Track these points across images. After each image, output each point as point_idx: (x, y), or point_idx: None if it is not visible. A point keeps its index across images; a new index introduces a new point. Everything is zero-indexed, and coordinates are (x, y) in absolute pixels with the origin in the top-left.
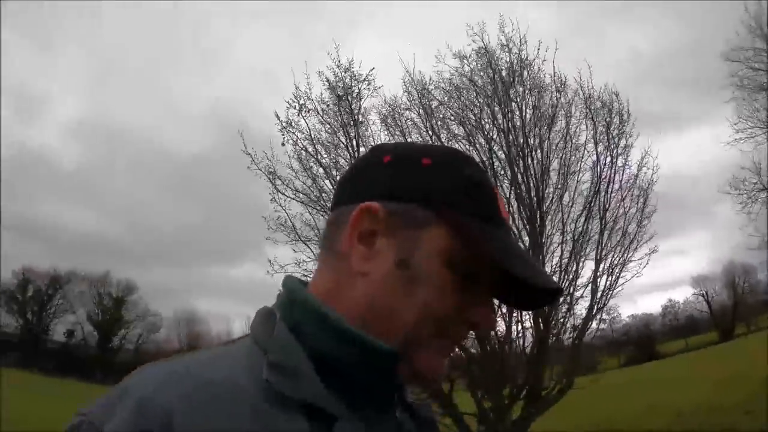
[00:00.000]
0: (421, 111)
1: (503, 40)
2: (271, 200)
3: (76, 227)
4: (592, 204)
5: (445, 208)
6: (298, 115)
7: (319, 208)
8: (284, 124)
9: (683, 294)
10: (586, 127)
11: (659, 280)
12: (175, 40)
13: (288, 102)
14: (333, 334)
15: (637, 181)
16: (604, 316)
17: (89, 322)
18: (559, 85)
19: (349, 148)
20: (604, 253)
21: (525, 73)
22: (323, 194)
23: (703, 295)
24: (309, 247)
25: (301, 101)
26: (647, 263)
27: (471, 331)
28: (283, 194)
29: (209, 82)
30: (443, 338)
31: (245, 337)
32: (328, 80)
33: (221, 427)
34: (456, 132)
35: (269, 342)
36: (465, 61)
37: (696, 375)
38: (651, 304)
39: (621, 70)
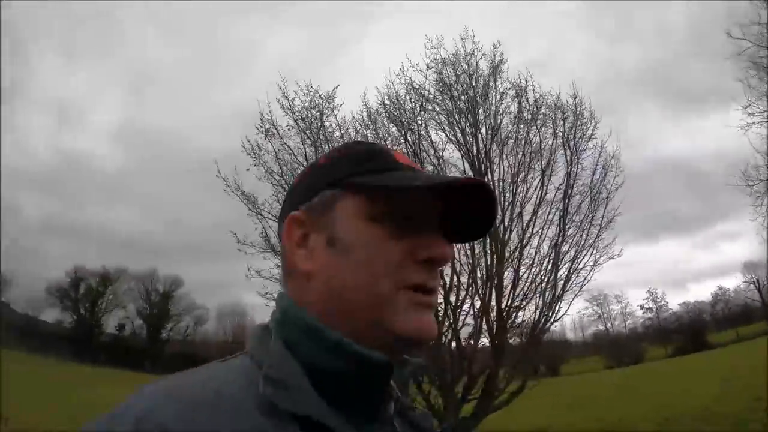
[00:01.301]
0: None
1: (463, 52)
2: (248, 215)
3: (123, 227)
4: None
5: (345, 180)
6: (265, 138)
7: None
8: (249, 149)
9: (735, 281)
10: (554, 132)
11: (711, 266)
12: (204, 43)
13: (256, 127)
14: (326, 347)
15: (597, 183)
16: (650, 304)
17: (138, 317)
18: (519, 91)
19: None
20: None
21: (489, 81)
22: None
23: (754, 283)
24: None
25: (266, 126)
26: (602, 265)
27: (433, 270)
28: (259, 213)
29: (239, 84)
30: (410, 291)
31: (242, 354)
32: (284, 106)
33: None
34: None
35: (265, 357)
36: (424, 72)
37: (730, 368)
38: (703, 292)
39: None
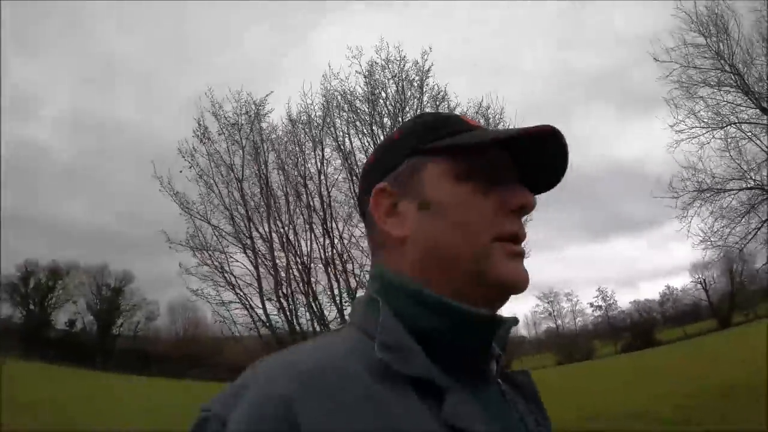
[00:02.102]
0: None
1: (383, 62)
2: (180, 214)
3: (74, 220)
4: None
5: (426, 145)
6: (200, 143)
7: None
8: (184, 152)
9: (683, 281)
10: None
11: (661, 266)
12: (159, 34)
13: (193, 130)
14: (431, 309)
15: None
16: (600, 302)
17: (89, 312)
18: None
19: (259, 167)
20: None
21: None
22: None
23: (701, 283)
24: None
25: (201, 130)
26: None
27: (519, 218)
28: (189, 213)
29: (192, 74)
30: (502, 242)
31: (348, 326)
32: (214, 113)
33: (339, 413)
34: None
35: (374, 326)
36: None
37: (679, 364)
38: (653, 291)
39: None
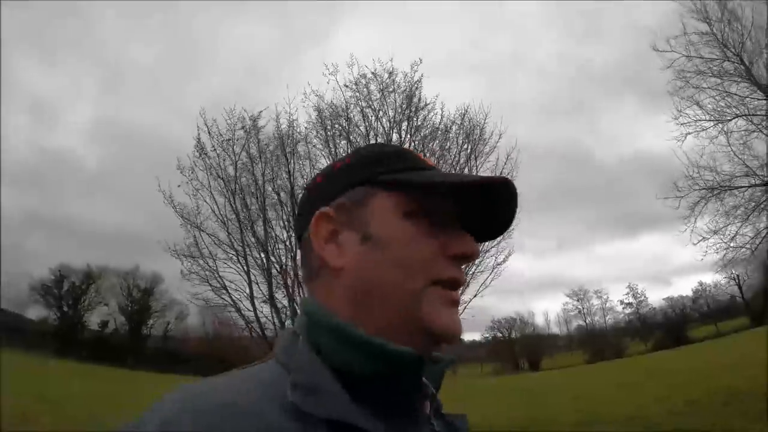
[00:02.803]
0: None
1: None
2: (181, 225)
3: (104, 224)
4: None
5: (377, 177)
6: (199, 157)
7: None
8: (183, 168)
9: (715, 277)
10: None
11: (694, 261)
12: (174, 40)
13: (195, 146)
14: (355, 347)
15: None
16: (630, 299)
17: (121, 313)
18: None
19: (255, 178)
20: None
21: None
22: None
23: (734, 279)
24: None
25: (200, 147)
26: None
27: (462, 266)
28: (192, 224)
29: (206, 75)
30: (440, 287)
31: (269, 359)
32: (209, 131)
33: None
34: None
35: (292, 362)
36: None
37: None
38: (686, 287)
39: None
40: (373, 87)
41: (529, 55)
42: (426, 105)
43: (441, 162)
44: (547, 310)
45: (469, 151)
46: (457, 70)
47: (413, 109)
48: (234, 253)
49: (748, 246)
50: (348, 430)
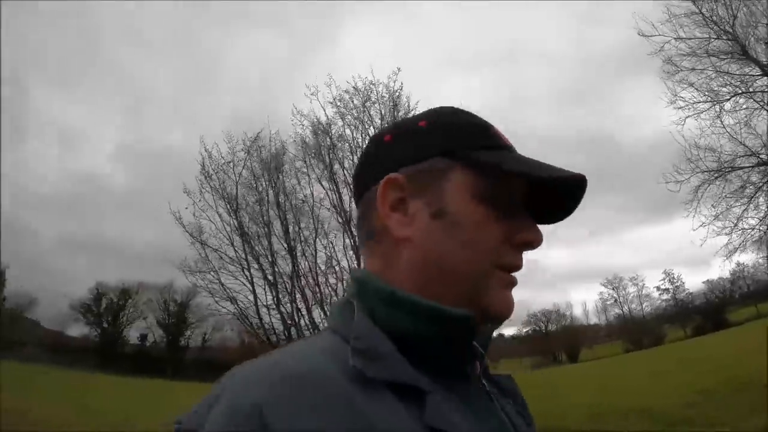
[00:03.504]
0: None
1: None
2: (191, 243)
3: (138, 242)
4: None
5: (457, 150)
6: (205, 180)
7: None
8: (187, 190)
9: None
10: None
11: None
12: (187, 59)
13: (200, 171)
14: (407, 311)
15: None
16: (667, 285)
17: (159, 326)
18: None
19: (259, 194)
20: None
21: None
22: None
23: None
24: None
25: (204, 173)
26: None
27: (525, 252)
28: (201, 243)
29: (221, 95)
30: (502, 270)
31: (325, 331)
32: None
33: (313, 417)
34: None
35: (349, 330)
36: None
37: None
38: (726, 269)
39: None
40: (356, 101)
41: (537, 45)
42: (409, 111)
43: None
44: (585, 300)
45: None
46: (465, 66)
47: (395, 116)
48: (239, 266)
49: (759, 227)
50: (408, 392)
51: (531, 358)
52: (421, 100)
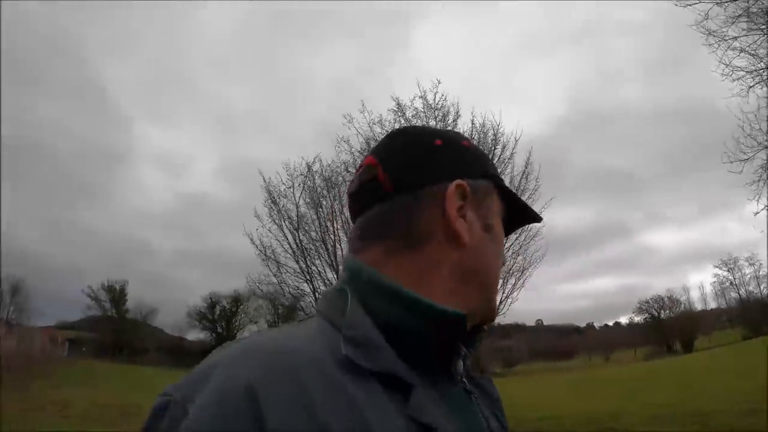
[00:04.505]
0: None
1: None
2: (262, 260)
3: (245, 252)
4: None
5: (495, 177)
6: (272, 206)
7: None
8: (257, 214)
9: None
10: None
11: None
12: (267, 74)
13: (265, 199)
14: (404, 306)
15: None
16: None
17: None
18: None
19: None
20: None
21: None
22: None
23: None
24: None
25: (270, 199)
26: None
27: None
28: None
29: (303, 104)
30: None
31: (314, 317)
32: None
33: (303, 395)
34: None
35: (342, 318)
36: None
37: None
38: None
39: None
40: (401, 120)
41: (615, 15)
42: (457, 120)
43: None
44: (702, 284)
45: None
46: (545, 50)
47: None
48: (304, 278)
49: None
50: (394, 382)
51: (645, 349)
52: (504, 91)
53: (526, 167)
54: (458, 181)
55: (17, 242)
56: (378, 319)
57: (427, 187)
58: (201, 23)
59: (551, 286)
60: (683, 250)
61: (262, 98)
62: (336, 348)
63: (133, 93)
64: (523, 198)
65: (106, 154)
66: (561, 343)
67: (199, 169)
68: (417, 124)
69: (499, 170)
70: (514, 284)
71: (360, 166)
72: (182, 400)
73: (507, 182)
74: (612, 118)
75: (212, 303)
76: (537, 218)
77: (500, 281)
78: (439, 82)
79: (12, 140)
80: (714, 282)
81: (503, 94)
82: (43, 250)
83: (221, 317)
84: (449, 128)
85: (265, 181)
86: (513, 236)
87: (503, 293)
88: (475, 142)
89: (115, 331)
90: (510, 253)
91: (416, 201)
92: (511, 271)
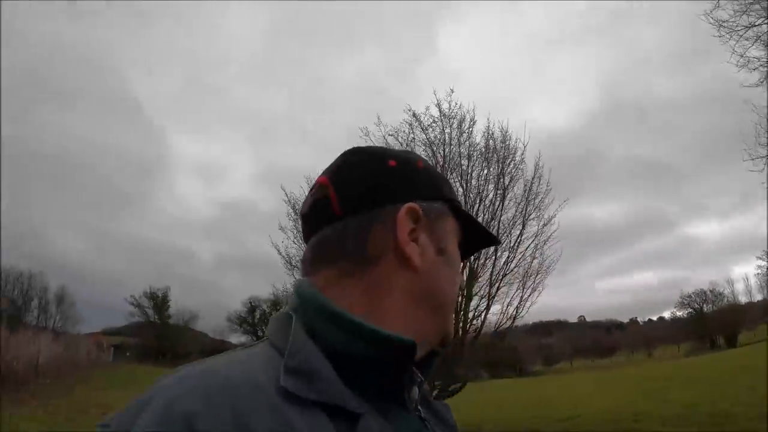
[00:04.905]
0: None
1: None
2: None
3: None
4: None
5: (452, 200)
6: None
7: None
8: (282, 227)
9: None
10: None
11: None
12: (298, 84)
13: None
14: (351, 332)
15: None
16: None
17: None
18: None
19: None
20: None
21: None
22: None
23: None
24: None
25: (293, 216)
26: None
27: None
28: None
29: (333, 109)
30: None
31: (263, 342)
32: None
33: (242, 426)
34: None
35: (286, 344)
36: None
37: None
38: None
39: None
40: (417, 132)
41: (642, 3)
42: (471, 128)
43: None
44: (747, 276)
45: (499, 169)
46: (572, 43)
47: (459, 136)
48: None
49: None
50: (339, 412)
51: (688, 344)
52: (529, 86)
53: (536, 171)
54: (410, 204)
55: (64, 254)
56: (326, 345)
57: (377, 209)
58: (230, 32)
59: (592, 281)
60: (726, 241)
61: (294, 103)
62: (279, 377)
63: (168, 105)
64: (535, 202)
65: (146, 166)
66: (603, 339)
67: (236, 176)
68: (375, 145)
69: (513, 176)
70: (533, 288)
71: (313, 187)
72: (120, 430)
73: (521, 187)
74: (647, 108)
75: (252, 307)
76: (495, 241)
77: (460, 301)
78: (452, 91)
79: (57, 157)
80: (758, 273)
81: (534, 87)
82: (89, 259)
83: (261, 321)
84: (464, 135)
85: (287, 195)
86: (527, 241)
87: (521, 296)
88: (490, 148)
89: (158, 337)
90: (527, 257)
91: (368, 223)
92: (528, 274)
